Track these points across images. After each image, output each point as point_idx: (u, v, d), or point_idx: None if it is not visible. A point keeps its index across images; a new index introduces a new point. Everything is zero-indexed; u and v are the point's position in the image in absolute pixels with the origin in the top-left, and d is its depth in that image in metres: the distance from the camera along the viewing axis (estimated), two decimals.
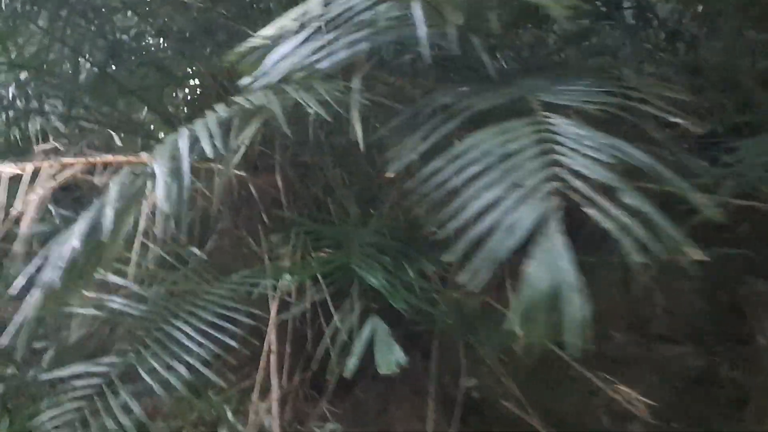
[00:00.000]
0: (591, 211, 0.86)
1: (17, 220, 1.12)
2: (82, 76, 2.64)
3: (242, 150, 1.34)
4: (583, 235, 2.53)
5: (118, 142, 2.67)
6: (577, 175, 0.92)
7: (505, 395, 2.39)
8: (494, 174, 0.96)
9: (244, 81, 1.17)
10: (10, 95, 2.49)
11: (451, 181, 0.97)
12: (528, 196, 0.91)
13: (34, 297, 1.04)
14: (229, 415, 2.25)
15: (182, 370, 1.62)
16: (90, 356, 3.56)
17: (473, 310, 1.90)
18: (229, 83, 2.57)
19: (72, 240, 1.02)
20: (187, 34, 2.53)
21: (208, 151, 1.13)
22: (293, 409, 2.34)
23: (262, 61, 1.11)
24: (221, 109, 1.27)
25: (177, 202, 1.10)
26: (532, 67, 1.58)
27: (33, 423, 1.49)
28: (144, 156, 1.38)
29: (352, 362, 1.47)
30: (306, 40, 1.07)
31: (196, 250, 2.16)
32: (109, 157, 1.29)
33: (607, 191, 0.90)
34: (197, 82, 2.66)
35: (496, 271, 2.13)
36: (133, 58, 2.62)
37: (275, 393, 2.08)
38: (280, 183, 1.90)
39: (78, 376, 1.57)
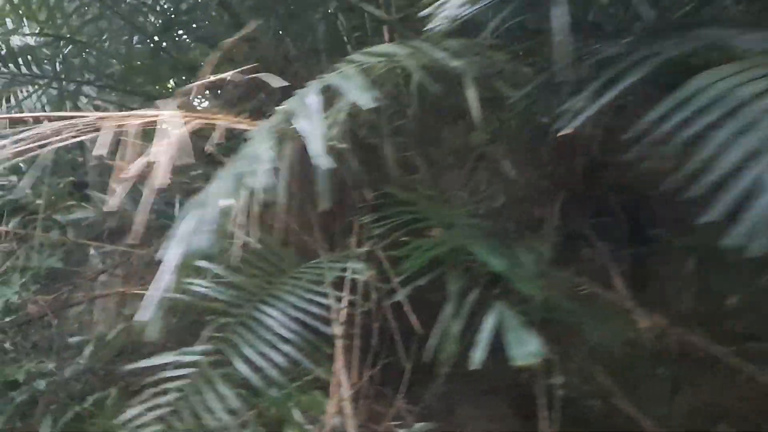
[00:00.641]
0: None
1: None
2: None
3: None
4: (647, 220, 2.38)
5: None
6: None
7: (593, 393, 2.24)
8: (736, 122, 0.81)
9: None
10: (56, 69, 2.32)
11: (681, 131, 0.82)
12: None
13: (170, 267, 0.88)
14: (297, 414, 2.08)
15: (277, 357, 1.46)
16: (121, 352, 3.38)
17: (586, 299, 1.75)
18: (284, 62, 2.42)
19: (221, 199, 0.86)
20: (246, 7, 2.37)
21: (365, 103, 0.97)
22: (365, 408, 2.18)
23: None
24: (359, 57, 1.11)
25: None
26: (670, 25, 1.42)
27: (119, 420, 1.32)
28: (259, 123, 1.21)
29: (478, 354, 1.31)
30: None
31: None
32: (231, 117, 1.13)
33: None
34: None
35: (604, 259, 1.96)
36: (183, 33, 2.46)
37: (346, 390, 1.92)
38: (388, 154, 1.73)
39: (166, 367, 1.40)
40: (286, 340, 1.49)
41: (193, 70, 2.56)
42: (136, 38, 2.45)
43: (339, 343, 1.82)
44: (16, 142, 0.93)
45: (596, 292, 1.80)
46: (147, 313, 0.85)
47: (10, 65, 1.98)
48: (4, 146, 0.92)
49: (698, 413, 2.20)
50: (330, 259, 1.80)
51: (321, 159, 0.90)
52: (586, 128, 1.95)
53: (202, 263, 1.57)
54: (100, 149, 0.90)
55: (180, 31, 2.43)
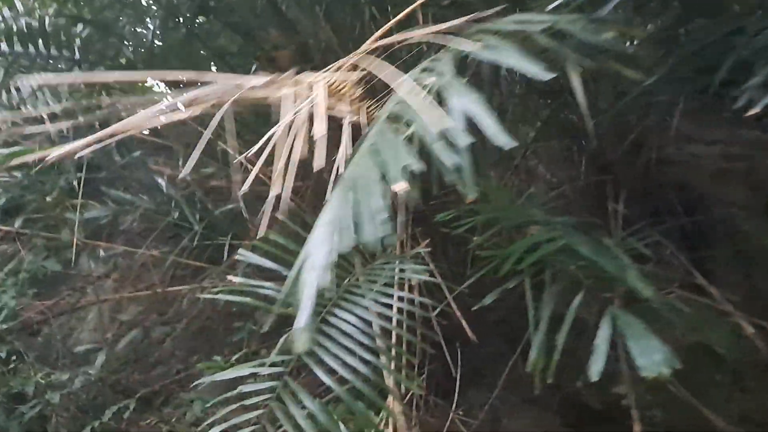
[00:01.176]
0: None
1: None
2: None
3: None
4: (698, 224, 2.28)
5: None
6: None
7: (656, 402, 2.14)
8: None
9: None
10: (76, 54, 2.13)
11: None
12: None
13: (320, 266, 0.73)
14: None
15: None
16: (127, 362, 3.16)
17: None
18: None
19: (395, 183, 0.72)
20: None
21: (538, 74, 0.83)
22: (417, 420, 2.05)
23: None
24: (494, 26, 0.98)
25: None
26: None
27: None
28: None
29: (597, 363, 1.18)
30: None
31: None
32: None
33: None
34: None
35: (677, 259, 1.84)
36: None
37: (397, 403, 1.78)
38: None
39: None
40: (367, 348, 1.34)
41: (222, 57, 2.39)
42: (159, 23, 2.28)
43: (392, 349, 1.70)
44: (186, 103, 0.78)
45: (683, 294, 1.69)
46: (300, 320, 0.70)
47: (40, 45, 1.79)
48: (175, 108, 0.76)
49: (750, 421, 2.12)
50: (387, 261, 1.64)
51: (500, 137, 0.76)
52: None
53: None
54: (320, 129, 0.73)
55: (211, 16, 2.26)
